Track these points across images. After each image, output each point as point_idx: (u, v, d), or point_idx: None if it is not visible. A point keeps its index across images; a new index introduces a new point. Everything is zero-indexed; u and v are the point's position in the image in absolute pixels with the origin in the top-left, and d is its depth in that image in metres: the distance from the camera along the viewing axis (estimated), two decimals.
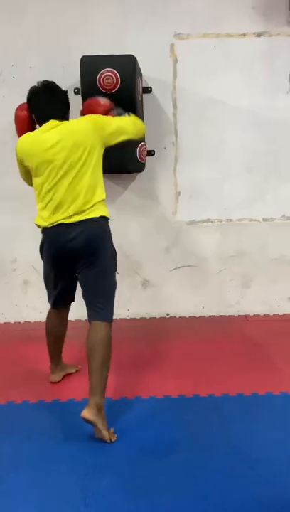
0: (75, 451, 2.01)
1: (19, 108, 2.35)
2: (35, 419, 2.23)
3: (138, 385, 2.52)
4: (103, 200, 2.22)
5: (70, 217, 2.16)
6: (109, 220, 2.26)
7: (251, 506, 1.70)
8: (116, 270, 2.28)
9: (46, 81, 2.26)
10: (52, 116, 2.19)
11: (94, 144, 2.16)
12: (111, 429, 2.08)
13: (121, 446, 2.04)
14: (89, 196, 2.15)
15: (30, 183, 2.30)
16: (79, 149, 2.12)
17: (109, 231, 2.25)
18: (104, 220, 2.22)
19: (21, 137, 2.25)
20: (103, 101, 2.40)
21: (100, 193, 2.20)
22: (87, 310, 2.22)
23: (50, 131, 2.17)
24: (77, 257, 2.19)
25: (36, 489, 1.80)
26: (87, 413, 2.03)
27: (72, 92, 2.94)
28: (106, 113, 2.35)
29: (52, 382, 2.55)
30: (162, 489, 1.79)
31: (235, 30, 3.14)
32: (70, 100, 2.32)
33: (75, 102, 2.61)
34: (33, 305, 3.38)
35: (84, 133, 2.15)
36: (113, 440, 2.05)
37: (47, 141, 2.14)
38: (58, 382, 2.56)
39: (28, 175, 2.28)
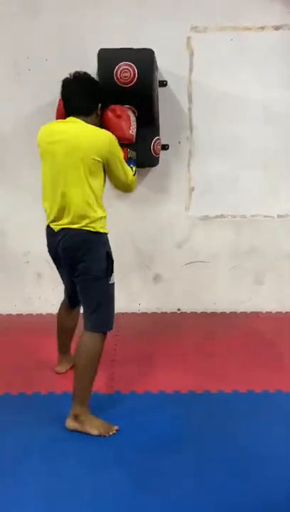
0: (84, 444, 2.03)
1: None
2: (45, 411, 2.25)
3: (148, 379, 2.53)
4: (99, 218, 2.11)
5: (55, 221, 2.13)
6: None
7: (257, 503, 1.70)
8: (108, 280, 2.13)
9: (78, 72, 2.19)
10: (76, 111, 2.14)
11: (98, 161, 2.07)
12: (115, 426, 2.10)
13: (130, 440, 2.05)
14: (80, 207, 2.07)
15: None
16: (78, 154, 2.04)
17: (98, 240, 2.12)
18: (91, 232, 2.09)
19: (43, 126, 2.22)
20: (132, 129, 2.34)
21: (95, 210, 2.09)
22: None
23: (66, 124, 2.15)
24: (65, 262, 2.16)
25: (45, 481, 1.82)
26: (67, 423, 2.11)
27: None
28: (126, 143, 2.30)
29: (56, 373, 2.58)
30: (169, 484, 1.80)
31: (253, 23, 3.09)
32: None
33: None
34: (46, 297, 3.40)
35: (94, 145, 2.05)
36: (110, 434, 2.07)
37: (57, 132, 2.12)
38: (63, 373, 2.57)
39: None
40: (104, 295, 2.14)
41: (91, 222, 2.09)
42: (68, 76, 2.19)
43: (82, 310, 2.27)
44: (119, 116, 2.33)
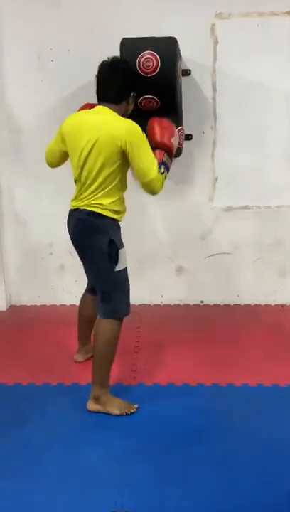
0: (109, 437, 2.03)
1: None
2: (69, 402, 2.27)
3: (171, 371, 2.52)
4: (110, 203, 2.13)
5: (75, 200, 2.20)
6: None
7: (281, 500, 1.68)
8: (114, 267, 2.12)
9: (115, 58, 2.20)
10: (106, 99, 2.13)
11: (118, 153, 2.07)
12: (135, 405, 2.18)
13: (154, 432, 2.05)
14: (94, 189, 2.12)
15: (50, 162, 2.37)
16: (99, 146, 2.06)
17: (103, 227, 2.12)
18: (98, 216, 2.12)
19: (71, 115, 2.23)
20: (173, 139, 2.23)
21: (109, 198, 2.12)
22: None
23: (93, 115, 2.13)
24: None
25: (70, 473, 1.83)
26: (88, 405, 2.18)
27: None
28: (164, 148, 2.21)
29: (75, 361, 2.61)
30: (192, 477, 1.79)
31: (280, 8, 3.01)
32: None
33: None
34: (69, 289, 3.42)
35: (114, 137, 2.04)
36: (132, 411, 2.15)
37: (85, 123, 2.11)
38: (81, 362, 2.61)
39: (55, 153, 2.30)
40: (112, 285, 2.17)
41: (101, 212, 2.13)
42: (106, 59, 2.18)
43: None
44: (161, 125, 2.24)
